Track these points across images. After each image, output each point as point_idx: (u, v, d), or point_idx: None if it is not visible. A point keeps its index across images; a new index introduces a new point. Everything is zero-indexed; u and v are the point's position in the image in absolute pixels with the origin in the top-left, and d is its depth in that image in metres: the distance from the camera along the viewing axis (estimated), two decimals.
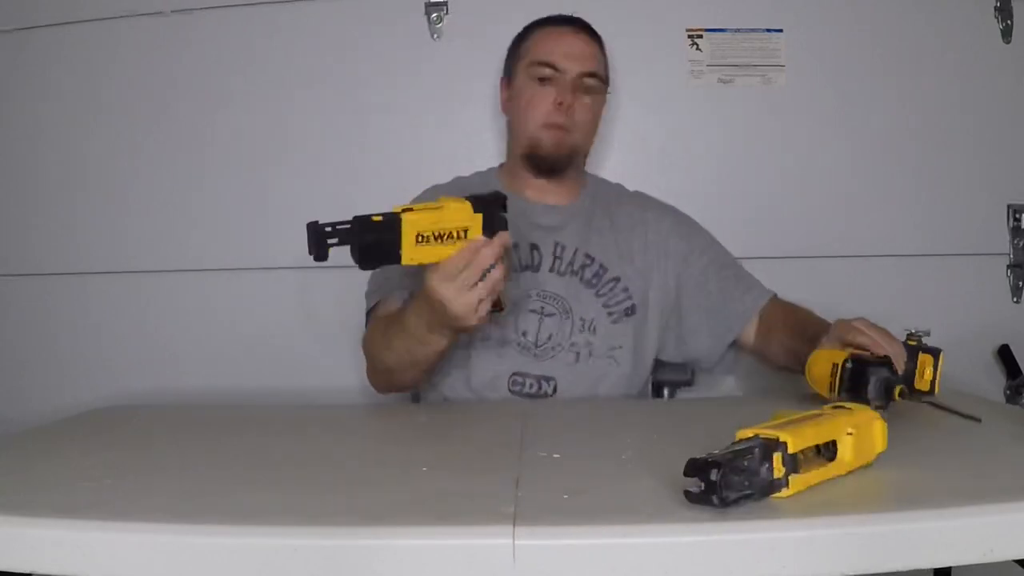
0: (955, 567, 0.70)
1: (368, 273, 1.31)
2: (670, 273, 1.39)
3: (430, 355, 1.18)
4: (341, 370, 1.63)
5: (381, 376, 1.28)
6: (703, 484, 0.65)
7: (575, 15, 1.40)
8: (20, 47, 1.72)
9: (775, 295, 1.41)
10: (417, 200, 1.41)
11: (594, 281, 1.36)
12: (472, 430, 0.98)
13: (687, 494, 0.66)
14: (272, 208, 1.69)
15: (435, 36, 1.68)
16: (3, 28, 1.72)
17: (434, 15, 1.68)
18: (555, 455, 0.89)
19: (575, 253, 1.37)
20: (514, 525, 0.65)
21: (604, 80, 1.39)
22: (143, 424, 1.17)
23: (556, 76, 1.33)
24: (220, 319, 1.71)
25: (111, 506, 0.75)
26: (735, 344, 1.41)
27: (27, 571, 0.69)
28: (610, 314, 1.35)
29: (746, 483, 0.67)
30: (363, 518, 0.71)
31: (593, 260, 1.37)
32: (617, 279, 1.37)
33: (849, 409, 0.78)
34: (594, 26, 1.40)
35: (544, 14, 1.41)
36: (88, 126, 1.72)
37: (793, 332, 1.30)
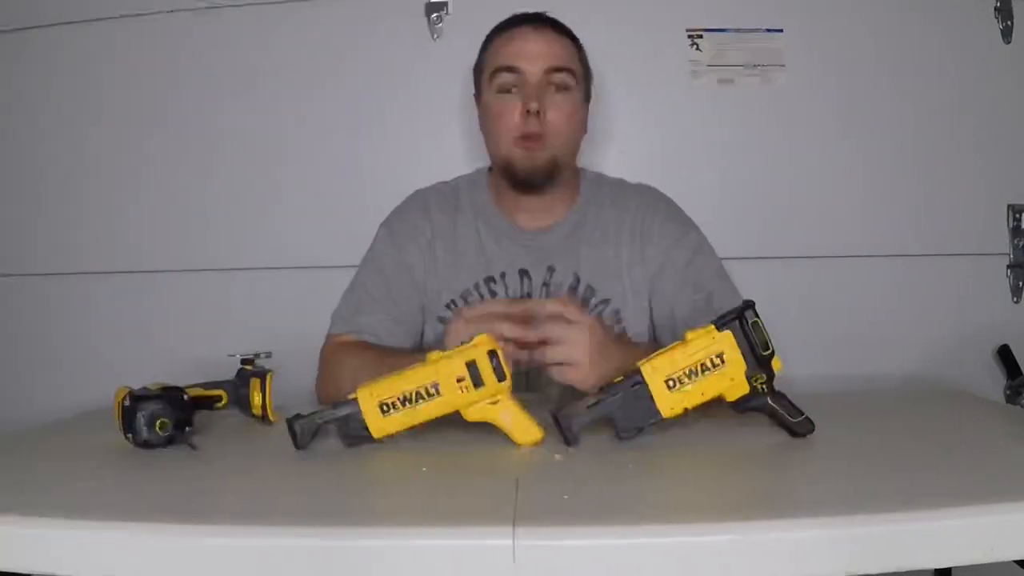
0: (955, 567, 0.70)
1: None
2: (646, 287, 1.29)
3: None
4: None
5: (340, 386, 1.18)
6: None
7: (542, 12, 1.30)
8: (20, 47, 1.72)
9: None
10: (402, 209, 1.37)
11: (580, 304, 1.24)
12: (472, 431, 0.98)
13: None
14: (272, 208, 1.70)
15: (435, 36, 1.68)
16: (3, 28, 1.73)
17: (434, 15, 1.68)
18: (555, 455, 0.89)
19: (565, 275, 1.29)
20: (514, 525, 0.65)
21: (578, 75, 1.27)
22: None
23: (520, 80, 1.23)
24: (220, 319, 1.71)
25: (111, 506, 0.75)
26: None
27: (27, 571, 0.69)
28: None
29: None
30: (363, 518, 0.71)
31: (580, 281, 1.29)
32: (607, 301, 1.28)
33: None
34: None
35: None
36: (88, 126, 1.72)
37: None
